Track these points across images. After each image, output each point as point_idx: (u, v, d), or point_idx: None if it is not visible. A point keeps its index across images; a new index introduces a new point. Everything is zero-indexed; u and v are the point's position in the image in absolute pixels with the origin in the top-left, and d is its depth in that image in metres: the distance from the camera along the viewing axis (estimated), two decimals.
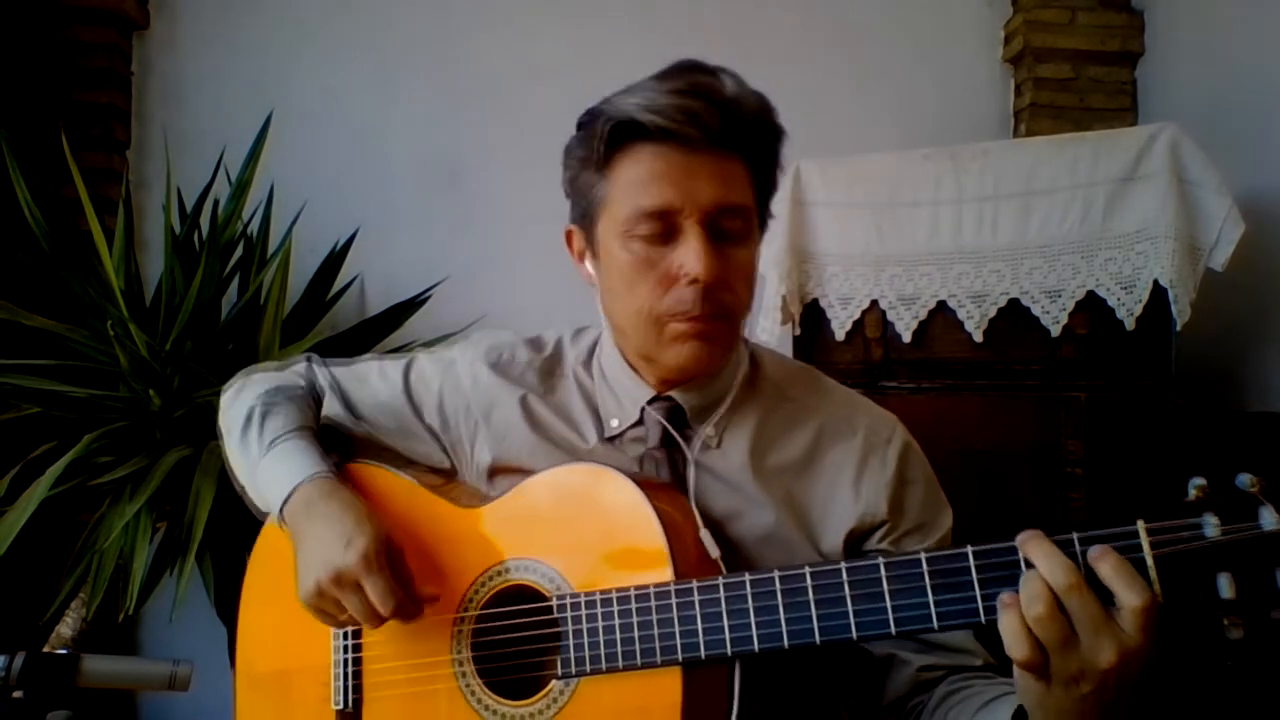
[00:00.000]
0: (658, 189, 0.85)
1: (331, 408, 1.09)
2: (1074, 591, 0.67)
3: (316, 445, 1.01)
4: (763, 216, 0.94)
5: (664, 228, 0.87)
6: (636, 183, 0.86)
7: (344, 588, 0.86)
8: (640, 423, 0.99)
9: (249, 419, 1.03)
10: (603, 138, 0.86)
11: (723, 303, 0.89)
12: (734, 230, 0.89)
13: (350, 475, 1.05)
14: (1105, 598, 0.67)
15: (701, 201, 0.86)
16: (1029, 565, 0.70)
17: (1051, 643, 0.67)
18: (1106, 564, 0.67)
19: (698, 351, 0.90)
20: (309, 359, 1.14)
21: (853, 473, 0.97)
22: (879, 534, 0.96)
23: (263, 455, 1.00)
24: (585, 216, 0.93)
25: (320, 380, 1.11)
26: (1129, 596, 0.66)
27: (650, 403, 0.98)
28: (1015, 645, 0.69)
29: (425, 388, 1.07)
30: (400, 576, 0.90)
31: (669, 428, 0.97)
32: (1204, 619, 0.69)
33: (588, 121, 0.90)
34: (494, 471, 1.04)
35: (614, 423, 1.00)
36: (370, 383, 1.09)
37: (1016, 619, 0.68)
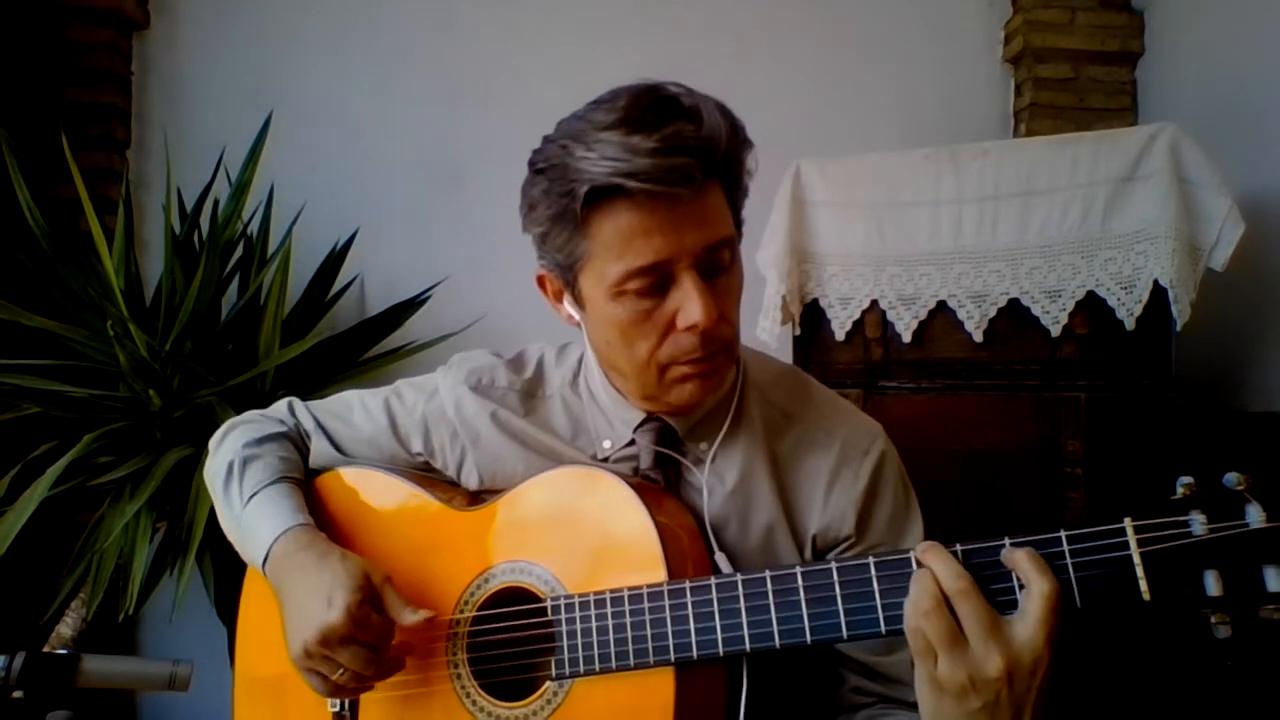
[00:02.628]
0: (647, 245, 0.82)
1: (319, 448, 1.08)
2: (963, 595, 0.69)
3: (295, 493, 1.00)
4: (738, 224, 0.91)
5: (657, 280, 0.84)
6: (622, 241, 0.82)
7: (333, 645, 0.84)
8: (632, 443, 0.98)
9: (229, 472, 1.02)
10: (578, 198, 0.80)
11: (721, 337, 0.87)
12: (722, 261, 0.86)
13: (345, 480, 1.05)
14: (1002, 608, 0.70)
15: (692, 247, 0.83)
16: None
17: (938, 640, 0.69)
18: (1020, 552, 0.70)
19: (701, 388, 0.90)
20: (290, 402, 1.13)
21: (825, 481, 0.97)
22: (842, 547, 0.96)
23: (243, 508, 0.99)
24: (561, 267, 0.89)
25: (305, 423, 1.10)
26: (1039, 582, 0.68)
27: (641, 424, 0.98)
28: (910, 637, 0.72)
29: (409, 417, 1.06)
30: (386, 610, 0.89)
31: (665, 451, 0.97)
32: (1192, 617, 0.69)
33: (547, 170, 0.84)
34: (481, 495, 1.04)
35: (606, 444, 1.00)
36: (353, 419, 1.08)
37: (909, 610, 0.72)
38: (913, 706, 0.93)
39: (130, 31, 2.38)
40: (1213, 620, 0.68)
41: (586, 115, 0.83)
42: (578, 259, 0.86)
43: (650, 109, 0.80)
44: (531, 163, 0.87)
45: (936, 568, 0.71)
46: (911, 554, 0.75)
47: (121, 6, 2.29)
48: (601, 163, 0.79)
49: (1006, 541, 0.72)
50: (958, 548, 0.73)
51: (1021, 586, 0.70)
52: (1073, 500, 1.66)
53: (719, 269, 0.86)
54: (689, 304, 0.83)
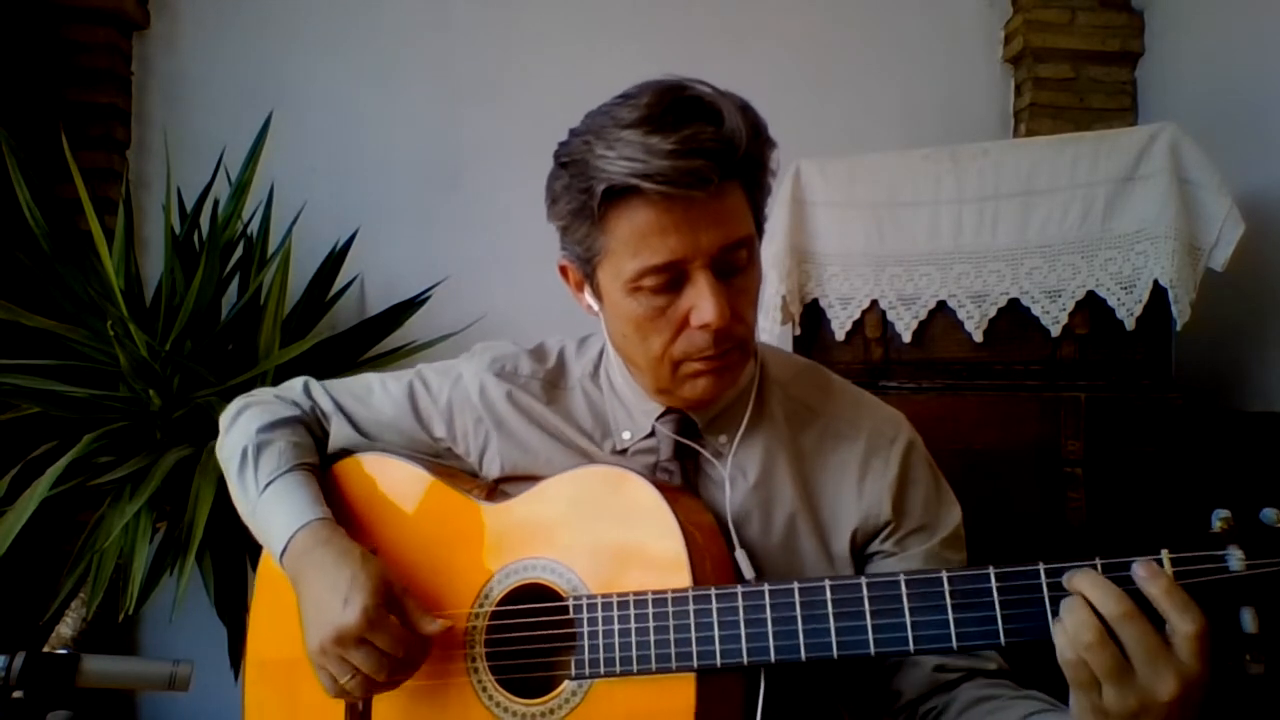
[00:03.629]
0: (663, 243, 0.83)
1: (339, 430, 1.07)
2: (1127, 620, 0.65)
3: (310, 482, 1.00)
4: (760, 224, 0.91)
5: (671, 277, 0.85)
6: (639, 238, 0.83)
7: (347, 645, 0.85)
8: (652, 434, 0.99)
9: (244, 457, 1.02)
10: (596, 196, 0.82)
11: (736, 335, 0.88)
12: (740, 261, 0.87)
13: (365, 468, 1.05)
14: (1157, 624, 0.66)
15: (708, 247, 0.83)
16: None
17: (1104, 672, 0.65)
18: (1157, 586, 0.66)
19: (714, 385, 0.90)
20: (306, 382, 1.11)
21: (856, 474, 0.97)
22: (882, 535, 0.96)
23: (259, 496, 0.99)
24: (581, 260, 0.91)
25: (322, 404, 1.09)
26: (1183, 622, 0.64)
27: (661, 416, 0.98)
28: (1068, 669, 0.67)
29: (432, 403, 1.06)
30: (406, 617, 0.89)
31: (685, 442, 0.97)
32: (1225, 653, 0.67)
33: (569, 165, 0.85)
34: (504, 481, 1.04)
35: (625, 435, 1.00)
36: (373, 402, 1.08)
37: (1065, 643, 0.67)
38: (993, 675, 0.90)
39: (130, 31, 2.37)
40: (1246, 658, 0.67)
41: (610, 110, 0.84)
42: (596, 253, 0.88)
43: (671, 109, 0.80)
44: (556, 155, 0.89)
45: (1092, 594, 0.67)
46: (942, 573, 0.75)
47: (121, 6, 2.29)
48: (619, 162, 0.80)
49: (1134, 562, 0.68)
50: (1097, 563, 0.69)
51: None
52: (1072, 500, 1.66)
53: (735, 268, 0.87)
54: (702, 303, 0.84)
